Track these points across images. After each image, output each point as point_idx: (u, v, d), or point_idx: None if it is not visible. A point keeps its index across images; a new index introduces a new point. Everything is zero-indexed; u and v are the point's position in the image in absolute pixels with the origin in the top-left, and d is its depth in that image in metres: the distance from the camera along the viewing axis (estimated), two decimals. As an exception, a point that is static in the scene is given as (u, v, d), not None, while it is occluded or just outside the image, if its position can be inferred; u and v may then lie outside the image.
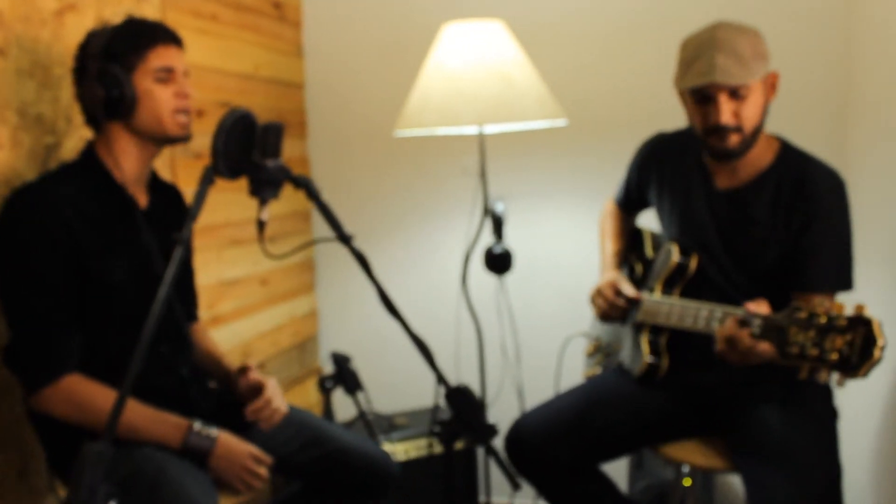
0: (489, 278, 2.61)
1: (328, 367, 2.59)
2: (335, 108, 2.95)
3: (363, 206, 2.93)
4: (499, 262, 2.36)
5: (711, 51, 1.66)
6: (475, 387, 2.65)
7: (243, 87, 2.59)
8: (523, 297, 2.75)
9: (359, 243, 1.55)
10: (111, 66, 1.56)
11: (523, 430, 1.90)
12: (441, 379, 1.50)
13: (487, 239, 2.48)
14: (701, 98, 1.72)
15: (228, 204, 2.45)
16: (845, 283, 1.72)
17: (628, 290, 1.94)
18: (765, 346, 1.50)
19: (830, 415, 1.78)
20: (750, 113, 1.70)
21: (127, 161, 1.65)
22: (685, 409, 1.88)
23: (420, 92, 2.24)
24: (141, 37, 1.60)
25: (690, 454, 1.86)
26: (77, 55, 1.64)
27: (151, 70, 1.60)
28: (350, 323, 3.04)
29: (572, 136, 2.71)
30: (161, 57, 1.61)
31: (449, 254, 2.83)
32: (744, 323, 1.54)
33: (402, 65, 2.85)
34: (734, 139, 1.71)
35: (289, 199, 2.84)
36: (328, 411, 2.24)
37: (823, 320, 1.38)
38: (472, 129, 2.38)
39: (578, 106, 2.61)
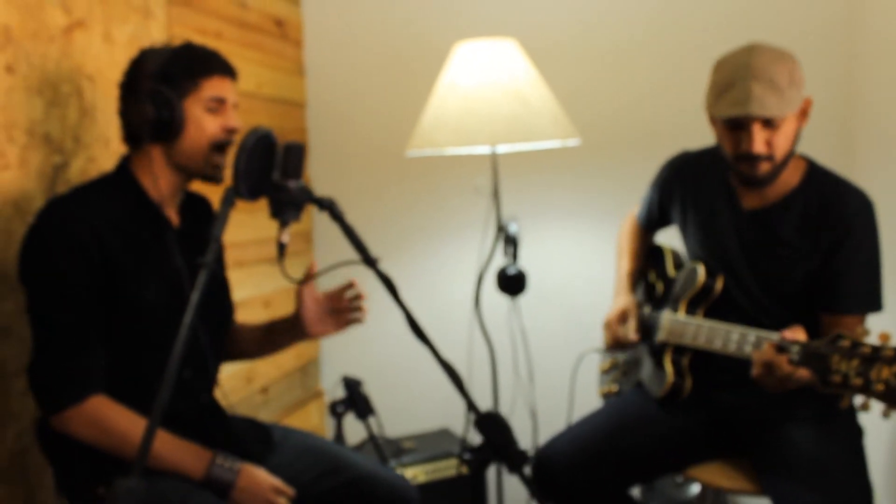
0: (501, 298, 2.57)
1: (330, 390, 2.54)
2: (337, 127, 2.92)
3: (367, 227, 2.85)
4: (513, 284, 2.32)
5: (748, 79, 1.61)
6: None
7: (246, 105, 2.54)
8: (535, 317, 2.71)
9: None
10: (164, 87, 1.53)
11: (550, 457, 1.86)
12: (471, 405, 1.46)
13: (499, 259, 2.44)
14: (733, 125, 1.68)
15: (231, 225, 2.39)
16: (876, 304, 1.71)
17: (631, 331, 1.93)
18: (804, 373, 1.47)
19: (857, 432, 1.76)
20: (782, 141, 1.67)
21: (162, 182, 1.60)
22: (710, 430, 1.86)
23: (433, 111, 2.22)
24: (198, 64, 1.57)
25: (716, 476, 1.83)
26: (129, 70, 1.60)
27: (204, 99, 1.57)
28: (351, 345, 2.98)
29: (584, 156, 2.69)
30: (215, 87, 1.58)
31: (459, 275, 2.79)
32: (781, 349, 1.51)
33: (404, 84, 2.83)
34: (765, 167, 1.68)
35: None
36: (339, 436, 2.19)
37: (868, 350, 1.36)
38: (484, 149, 2.35)
39: (590, 125, 2.59)
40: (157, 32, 2.09)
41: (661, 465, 1.89)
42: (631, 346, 1.98)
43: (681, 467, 1.86)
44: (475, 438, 2.52)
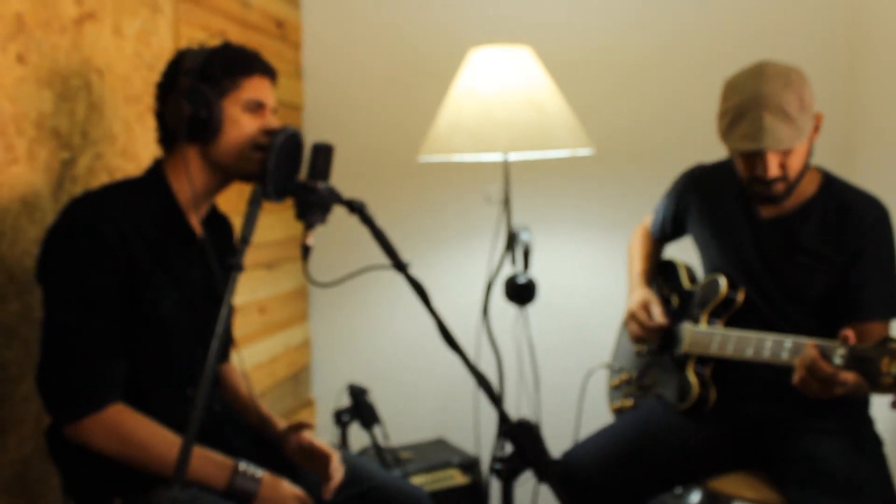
0: (507, 307, 2.53)
1: (334, 398, 2.47)
2: (334, 131, 2.86)
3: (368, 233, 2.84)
4: (522, 292, 2.29)
5: (759, 110, 1.61)
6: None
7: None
8: (541, 327, 2.69)
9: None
10: (203, 85, 1.46)
11: (576, 463, 1.84)
12: (502, 415, 1.43)
13: (507, 268, 2.41)
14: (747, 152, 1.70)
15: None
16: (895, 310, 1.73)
17: (658, 315, 1.91)
18: (848, 376, 1.47)
19: (878, 442, 1.77)
20: (796, 163, 1.69)
21: (197, 183, 1.53)
22: (733, 440, 1.85)
23: (448, 116, 2.18)
24: (239, 63, 1.51)
25: (739, 488, 1.81)
26: (167, 70, 1.54)
27: (243, 99, 1.50)
28: (342, 353, 2.94)
29: (595, 166, 2.69)
30: (256, 88, 1.52)
31: (465, 282, 2.75)
32: (824, 353, 1.51)
33: (405, 89, 2.80)
34: (779, 187, 1.71)
35: (287, 224, 2.74)
36: (344, 445, 2.14)
37: None
38: (495, 156, 2.32)
39: (603, 136, 2.58)
40: (165, 28, 2.03)
41: (684, 474, 1.87)
42: (655, 339, 1.95)
43: (702, 477, 1.85)
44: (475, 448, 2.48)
